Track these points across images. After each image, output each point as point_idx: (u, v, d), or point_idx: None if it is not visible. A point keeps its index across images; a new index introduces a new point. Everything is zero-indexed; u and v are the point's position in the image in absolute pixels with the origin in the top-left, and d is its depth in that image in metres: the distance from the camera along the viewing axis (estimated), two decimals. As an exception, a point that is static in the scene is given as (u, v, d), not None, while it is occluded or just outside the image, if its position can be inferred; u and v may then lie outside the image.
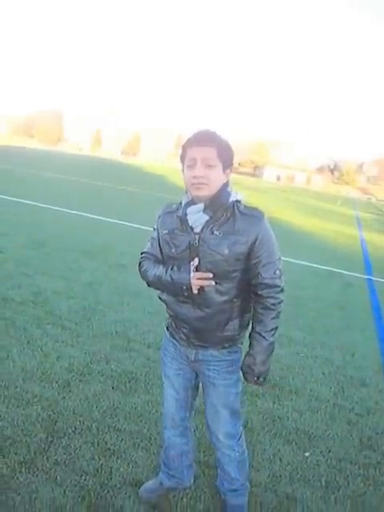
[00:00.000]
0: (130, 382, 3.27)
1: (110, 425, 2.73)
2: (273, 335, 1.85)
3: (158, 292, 1.99)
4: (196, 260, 1.77)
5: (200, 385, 2.10)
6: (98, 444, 2.54)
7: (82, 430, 2.65)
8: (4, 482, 2.17)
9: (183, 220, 1.82)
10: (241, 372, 1.94)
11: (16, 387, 2.97)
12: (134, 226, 9.91)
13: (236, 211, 1.79)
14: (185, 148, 1.78)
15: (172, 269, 1.81)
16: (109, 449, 2.52)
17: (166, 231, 1.87)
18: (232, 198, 1.81)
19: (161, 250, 1.92)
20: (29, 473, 2.25)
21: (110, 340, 3.91)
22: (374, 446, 2.97)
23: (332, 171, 78.61)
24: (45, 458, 2.37)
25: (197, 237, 1.79)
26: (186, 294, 1.79)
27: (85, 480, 2.26)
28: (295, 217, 18.34)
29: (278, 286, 1.82)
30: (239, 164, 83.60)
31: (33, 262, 5.84)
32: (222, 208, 1.79)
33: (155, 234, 1.96)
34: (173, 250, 1.84)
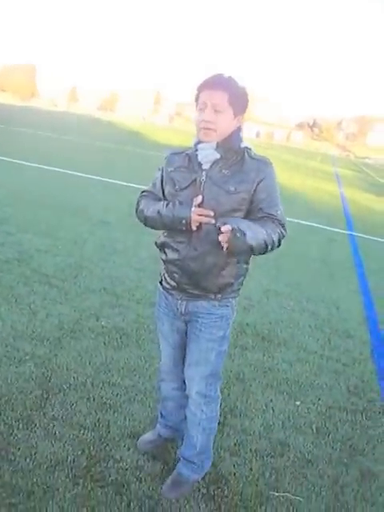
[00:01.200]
0: (121, 337, 3.27)
1: (104, 380, 2.74)
2: (269, 236, 1.68)
3: (157, 237, 1.96)
4: (199, 197, 1.75)
5: None
6: (93, 399, 2.55)
7: (76, 385, 2.65)
8: (3, 439, 2.16)
9: (192, 156, 1.81)
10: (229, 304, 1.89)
11: (6, 346, 2.93)
12: (115, 182, 9.69)
13: (246, 155, 1.80)
14: (198, 91, 1.77)
15: (173, 204, 1.80)
16: (105, 403, 2.54)
17: (172, 169, 1.86)
18: (243, 145, 1.82)
19: (163, 190, 1.91)
20: (27, 429, 2.25)
21: (98, 297, 3.88)
22: (360, 394, 3.08)
23: (311, 128, 77.92)
24: (42, 414, 2.37)
25: (204, 173, 1.78)
26: (184, 228, 1.76)
27: (83, 434, 2.28)
28: (276, 173, 18.22)
29: (279, 220, 1.75)
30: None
31: (14, 220, 5.67)
32: (233, 150, 1.79)
33: (159, 174, 1.94)
34: (176, 187, 1.83)
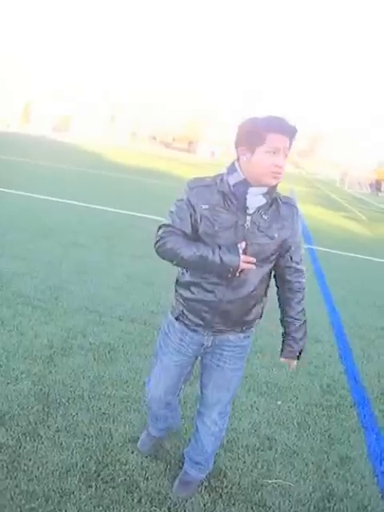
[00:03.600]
0: (109, 353, 3.44)
1: (99, 392, 2.90)
2: (304, 315, 2.02)
3: (180, 275, 1.94)
4: (243, 243, 1.77)
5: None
6: (92, 410, 2.71)
7: (74, 399, 2.80)
8: (13, 452, 2.29)
9: (233, 198, 1.77)
10: (281, 352, 2.07)
11: (1, 366, 3.03)
12: (78, 203, 9.78)
13: (278, 199, 1.86)
14: (263, 132, 1.70)
15: (220, 249, 1.74)
16: (103, 413, 2.70)
17: (206, 206, 1.79)
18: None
19: (193, 226, 1.82)
20: (34, 441, 2.38)
21: (82, 316, 4.02)
22: (332, 391, 3.40)
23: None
24: (46, 426, 2.51)
25: (248, 218, 1.79)
26: (229, 276, 1.77)
27: (88, 442, 2.44)
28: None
29: (302, 270, 1.98)
30: (173, 139, 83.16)
31: (-14, 244, 5.70)
32: (273, 196, 1.83)
33: (185, 207, 1.82)
34: (215, 228, 1.78)
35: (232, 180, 1.78)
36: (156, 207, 10.58)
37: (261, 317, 2.04)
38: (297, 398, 3.21)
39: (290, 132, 1.73)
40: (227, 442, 2.61)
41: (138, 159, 31.66)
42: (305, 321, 2.04)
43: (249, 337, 2.03)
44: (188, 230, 1.83)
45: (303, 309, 2.03)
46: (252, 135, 1.72)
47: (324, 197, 26.05)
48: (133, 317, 4.15)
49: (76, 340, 3.55)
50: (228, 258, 1.73)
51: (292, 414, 3.00)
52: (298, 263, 1.95)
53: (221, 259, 1.73)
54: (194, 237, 1.83)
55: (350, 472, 2.52)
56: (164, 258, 1.86)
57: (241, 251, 1.75)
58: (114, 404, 2.80)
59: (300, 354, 2.07)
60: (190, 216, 1.82)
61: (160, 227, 1.88)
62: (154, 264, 5.99)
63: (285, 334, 2.04)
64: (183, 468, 2.26)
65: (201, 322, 1.92)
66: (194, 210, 1.81)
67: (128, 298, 4.58)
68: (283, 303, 2.02)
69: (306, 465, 2.53)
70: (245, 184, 1.77)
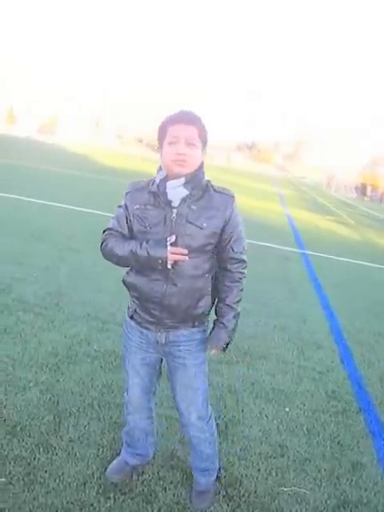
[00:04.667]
0: (115, 360, 3.41)
1: (109, 401, 2.88)
2: (238, 305, 1.99)
3: (125, 275, 1.99)
4: (173, 236, 1.80)
5: (162, 367, 2.15)
6: (104, 419, 2.69)
7: (84, 408, 2.77)
8: (27, 464, 2.26)
9: (159, 194, 1.85)
10: (208, 340, 2.01)
11: (8, 375, 2.99)
12: (69, 207, 9.70)
13: (210, 189, 1.89)
14: (165, 126, 1.82)
15: (147, 243, 1.81)
16: (115, 422, 2.68)
17: (137, 206, 1.88)
18: (205, 179, 1.91)
19: (129, 226, 1.92)
20: (47, 453, 2.35)
21: (85, 322, 3.99)
22: (338, 397, 3.43)
23: (250, 149, 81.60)
24: (58, 437, 2.48)
25: (174, 211, 1.83)
26: (160, 267, 1.81)
27: (103, 453, 2.42)
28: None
29: (244, 260, 1.98)
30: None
31: (-19, 249, 5.62)
32: (199, 186, 1.86)
33: (121, 211, 1.94)
34: (146, 225, 1.85)
35: (158, 178, 1.88)
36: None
37: (211, 308, 2.02)
38: (304, 405, 3.23)
39: (187, 120, 1.80)
40: (240, 449, 2.62)
41: (126, 161, 31.56)
42: (239, 313, 2.01)
43: (204, 331, 2.03)
44: (125, 232, 1.94)
45: (240, 299, 2.00)
46: (159, 131, 1.86)
47: (311, 200, 26.32)
48: (135, 323, 4.13)
49: (81, 347, 3.52)
50: (154, 251, 1.79)
51: (301, 421, 3.02)
52: (240, 253, 1.95)
53: (148, 252, 1.80)
54: (131, 236, 1.93)
55: (362, 478, 2.54)
56: (107, 259, 1.95)
57: (168, 244, 1.79)
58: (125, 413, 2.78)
59: (227, 346, 2.02)
60: (126, 218, 1.92)
61: (103, 231, 1.98)
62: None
63: (217, 322, 2.00)
64: (194, 478, 2.26)
65: (151, 319, 1.96)
66: (128, 212, 1.91)
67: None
68: (221, 291, 1.98)
69: (319, 472, 2.55)
70: (165, 179, 1.85)
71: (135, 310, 2.01)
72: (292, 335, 4.50)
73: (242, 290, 2.00)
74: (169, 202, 1.84)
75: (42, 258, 5.71)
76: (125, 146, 69.48)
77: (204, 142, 1.86)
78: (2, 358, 3.19)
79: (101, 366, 3.29)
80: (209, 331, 2.05)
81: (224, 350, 2.03)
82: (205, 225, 1.83)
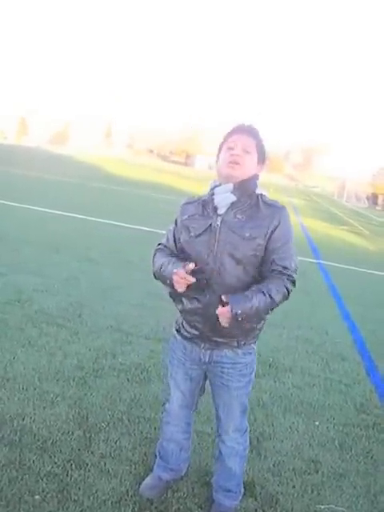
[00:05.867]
0: (141, 373, 3.39)
1: (139, 415, 2.85)
2: (274, 299, 1.75)
3: (172, 289, 1.87)
4: (192, 264, 1.75)
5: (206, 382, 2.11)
6: (134, 434, 2.66)
7: (114, 423, 2.74)
8: (60, 481, 2.23)
9: (207, 202, 1.87)
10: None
11: (35, 388, 2.98)
12: (85, 217, 9.76)
13: (260, 201, 1.86)
14: (226, 136, 1.92)
15: (169, 262, 1.85)
16: (146, 438, 2.65)
17: (186, 217, 1.91)
18: (258, 191, 1.89)
19: (175, 241, 1.95)
20: (80, 469, 2.33)
21: (108, 335, 3.98)
22: (366, 411, 3.36)
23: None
24: (90, 452, 2.45)
25: (219, 218, 1.82)
26: (168, 285, 1.83)
27: (135, 469, 2.38)
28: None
29: (289, 275, 1.80)
30: (170, 152, 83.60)
31: (1, 260, 5.66)
32: (248, 194, 1.84)
33: (172, 226, 1.99)
34: (191, 234, 1.85)
35: (211, 185, 1.93)
36: (162, 222, 10.60)
37: (258, 330, 1.93)
38: (333, 418, 3.17)
39: (247, 131, 1.89)
40: (273, 465, 2.57)
41: (138, 172, 31.77)
42: (271, 302, 1.76)
43: (250, 353, 1.96)
44: (173, 248, 1.98)
45: (277, 301, 1.77)
46: (220, 143, 1.94)
47: (324, 210, 26.22)
48: (159, 336, 4.11)
49: (106, 360, 3.51)
50: (168, 272, 1.83)
51: (331, 435, 2.96)
52: (285, 268, 1.79)
53: (165, 272, 1.85)
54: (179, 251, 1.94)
55: (400, 496, 2.48)
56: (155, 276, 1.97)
57: (183, 269, 1.75)
58: (154, 427, 2.75)
59: (237, 316, 1.71)
60: (174, 232, 1.98)
61: (157, 244, 2.05)
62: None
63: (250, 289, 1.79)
64: (214, 499, 2.17)
65: (196, 333, 1.93)
66: (177, 226, 1.97)
67: (152, 316, 4.54)
68: (266, 280, 1.80)
69: (355, 488, 2.49)
70: (215, 186, 1.89)
71: (182, 324, 2.00)
72: (316, 347, 4.44)
73: (282, 293, 1.78)
74: (215, 209, 1.84)
75: (62, 269, 5.73)
76: (135, 157, 70.01)
77: (261, 155, 1.92)
78: (29, 370, 3.18)
79: (128, 380, 3.26)
80: (255, 355, 2.00)
81: (234, 317, 1.72)
82: (248, 235, 1.79)
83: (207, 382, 2.12)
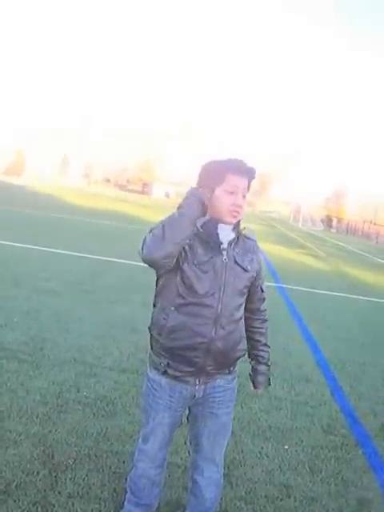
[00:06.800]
0: (107, 406, 3.30)
1: (106, 450, 2.77)
2: (268, 343, 2.19)
3: (158, 320, 1.89)
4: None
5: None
6: (102, 470, 2.58)
7: (81, 459, 2.65)
8: (25, 525, 2.12)
9: (208, 236, 1.85)
10: (252, 382, 2.20)
11: (-4, 428, 2.84)
12: (43, 249, 9.56)
13: (241, 234, 1.97)
14: (224, 172, 1.81)
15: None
16: (114, 472, 2.57)
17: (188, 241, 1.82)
18: None
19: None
20: (47, 511, 2.22)
21: (71, 368, 3.86)
22: (333, 432, 3.42)
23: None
24: (57, 493, 2.35)
25: (225, 253, 1.89)
26: (205, 202, 1.74)
27: (105, 506, 2.30)
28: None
29: (264, 298, 2.13)
30: (127, 181, 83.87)
31: None
32: (238, 231, 1.95)
33: None
34: (195, 261, 1.82)
35: (198, 222, 1.82)
36: (121, 251, 10.56)
37: (245, 353, 2.05)
38: (302, 441, 3.20)
39: (247, 173, 1.86)
40: (245, 493, 2.55)
41: (95, 201, 31.61)
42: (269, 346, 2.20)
43: (235, 378, 2.07)
44: None
45: (267, 335, 2.20)
46: (213, 175, 1.82)
47: (281, 235, 26.96)
48: (123, 367, 4.04)
49: (70, 394, 3.40)
50: (192, 193, 1.75)
51: (301, 458, 2.98)
52: (263, 291, 2.10)
53: (187, 201, 1.74)
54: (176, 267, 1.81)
55: (370, 515, 2.51)
56: (152, 256, 1.70)
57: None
58: (123, 461, 2.67)
59: (269, 383, 2.24)
60: None
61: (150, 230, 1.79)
62: (131, 309, 5.92)
63: (258, 363, 2.15)
64: None
65: (191, 369, 1.87)
66: None
67: (114, 347, 4.46)
68: (256, 334, 2.13)
69: (327, 511, 2.50)
70: (212, 221, 1.86)
71: (168, 364, 1.88)
72: (281, 370, 4.49)
73: (265, 316, 2.17)
74: (219, 244, 1.88)
75: (21, 302, 5.55)
76: (92, 186, 69.76)
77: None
78: (-11, 410, 3.04)
79: (93, 414, 3.17)
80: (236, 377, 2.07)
81: (266, 387, 2.23)
82: (249, 268, 1.93)
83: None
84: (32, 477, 2.44)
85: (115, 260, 9.45)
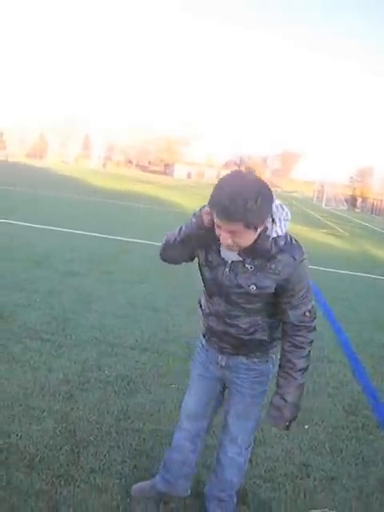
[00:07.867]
0: (128, 384, 3.35)
1: (127, 427, 2.81)
2: (302, 375, 1.83)
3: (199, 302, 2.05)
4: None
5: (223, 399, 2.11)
6: (123, 447, 2.62)
7: (102, 436, 2.70)
8: (50, 498, 2.18)
9: (217, 249, 1.82)
10: (270, 414, 1.92)
11: (20, 405, 2.91)
12: (66, 230, 9.66)
13: (273, 249, 1.71)
14: (211, 208, 1.65)
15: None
16: (135, 450, 2.61)
17: (210, 232, 1.76)
18: (273, 235, 1.71)
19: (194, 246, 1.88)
20: (69, 485, 2.27)
21: (93, 347, 3.92)
22: (355, 412, 3.38)
23: (238, 166, 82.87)
24: (79, 468, 2.40)
25: (228, 268, 1.80)
26: (198, 223, 1.75)
27: (126, 482, 2.34)
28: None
29: (306, 326, 1.81)
30: (149, 162, 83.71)
31: (-19, 276, 5.54)
32: (253, 254, 1.73)
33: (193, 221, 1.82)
34: (205, 264, 1.87)
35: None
36: (144, 231, 10.60)
37: (274, 342, 1.94)
38: (323, 421, 3.18)
39: (230, 216, 1.57)
40: (265, 471, 2.56)
41: (117, 183, 31.67)
42: (302, 384, 1.85)
43: (266, 362, 1.97)
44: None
45: (304, 369, 1.84)
46: (209, 201, 1.66)
47: (304, 215, 26.52)
48: (144, 346, 4.07)
49: (92, 373, 3.45)
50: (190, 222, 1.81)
51: (322, 438, 2.97)
52: (299, 320, 1.79)
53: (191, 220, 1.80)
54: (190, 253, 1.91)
55: (391, 496, 2.49)
56: (162, 258, 1.97)
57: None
58: (144, 439, 2.71)
59: (290, 424, 1.88)
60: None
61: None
62: (153, 289, 5.94)
63: (276, 394, 1.88)
64: (206, 510, 2.14)
65: (214, 345, 2.01)
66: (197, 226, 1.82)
67: (136, 326, 4.50)
68: (281, 357, 1.87)
69: (347, 491, 2.49)
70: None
71: (204, 333, 2.08)
72: (302, 350, 4.45)
73: (304, 357, 1.82)
74: (222, 258, 1.82)
75: (43, 282, 5.64)
76: (114, 168, 69.90)
77: (259, 222, 1.63)
78: (13, 387, 3.11)
79: (115, 392, 3.21)
80: (274, 365, 2.00)
81: (287, 427, 1.89)
82: (253, 289, 1.75)
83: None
84: (55, 452, 2.51)
85: (137, 240, 9.49)
